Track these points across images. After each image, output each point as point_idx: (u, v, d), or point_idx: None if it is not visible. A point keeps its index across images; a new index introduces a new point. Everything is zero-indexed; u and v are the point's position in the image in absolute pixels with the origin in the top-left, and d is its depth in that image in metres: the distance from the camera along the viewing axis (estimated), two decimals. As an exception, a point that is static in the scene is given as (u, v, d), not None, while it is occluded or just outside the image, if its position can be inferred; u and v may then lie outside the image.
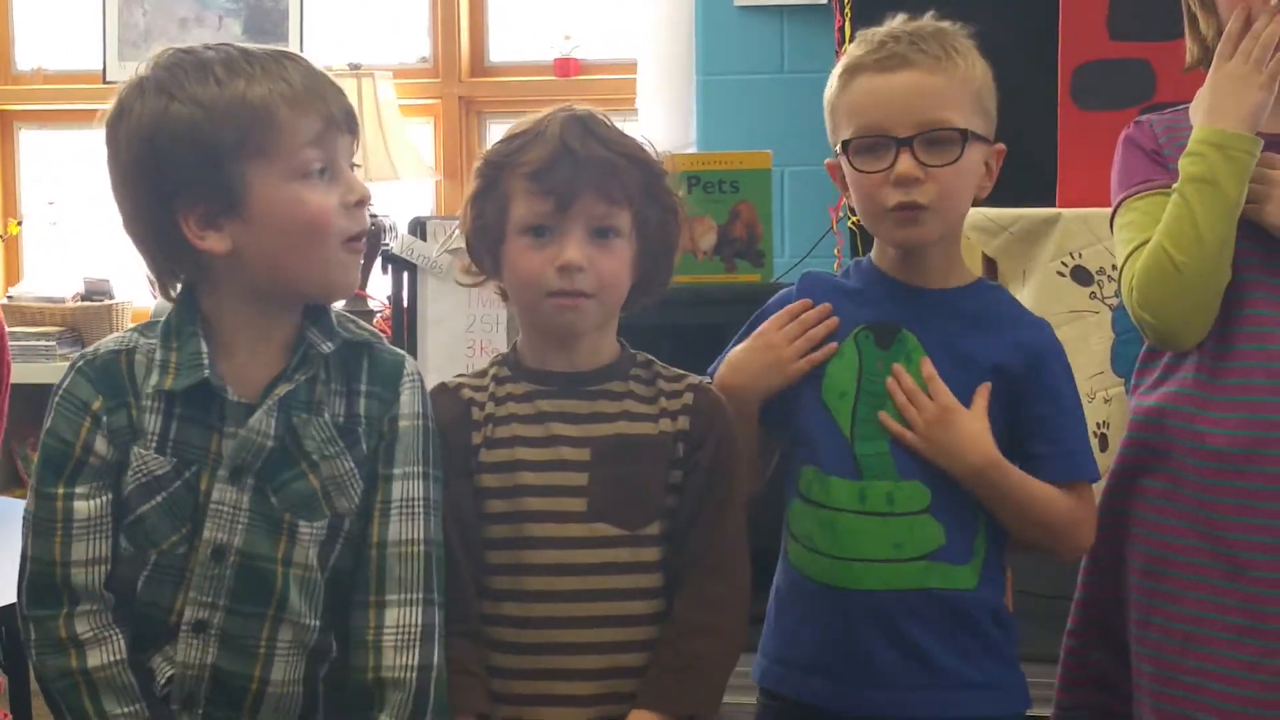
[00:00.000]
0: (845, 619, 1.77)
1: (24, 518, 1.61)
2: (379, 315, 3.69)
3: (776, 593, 1.86)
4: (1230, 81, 1.82)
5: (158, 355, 1.60)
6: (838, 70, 1.80)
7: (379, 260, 3.17)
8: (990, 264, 2.63)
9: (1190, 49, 1.96)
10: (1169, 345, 1.86)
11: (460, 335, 2.79)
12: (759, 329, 1.84)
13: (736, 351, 1.85)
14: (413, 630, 1.60)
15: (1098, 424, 2.49)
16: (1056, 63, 2.72)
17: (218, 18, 4.18)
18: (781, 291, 1.91)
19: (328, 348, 1.62)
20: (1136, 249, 1.85)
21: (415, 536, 1.62)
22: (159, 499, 1.58)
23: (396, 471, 1.62)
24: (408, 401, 1.64)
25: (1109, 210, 1.94)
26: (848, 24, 3.12)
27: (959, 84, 1.76)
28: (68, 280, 4.24)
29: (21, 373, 3.48)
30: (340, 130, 1.60)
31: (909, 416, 1.76)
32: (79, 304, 4.14)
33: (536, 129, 1.70)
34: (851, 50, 1.80)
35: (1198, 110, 1.84)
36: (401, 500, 1.62)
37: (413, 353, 2.87)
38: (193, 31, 4.14)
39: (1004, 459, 1.76)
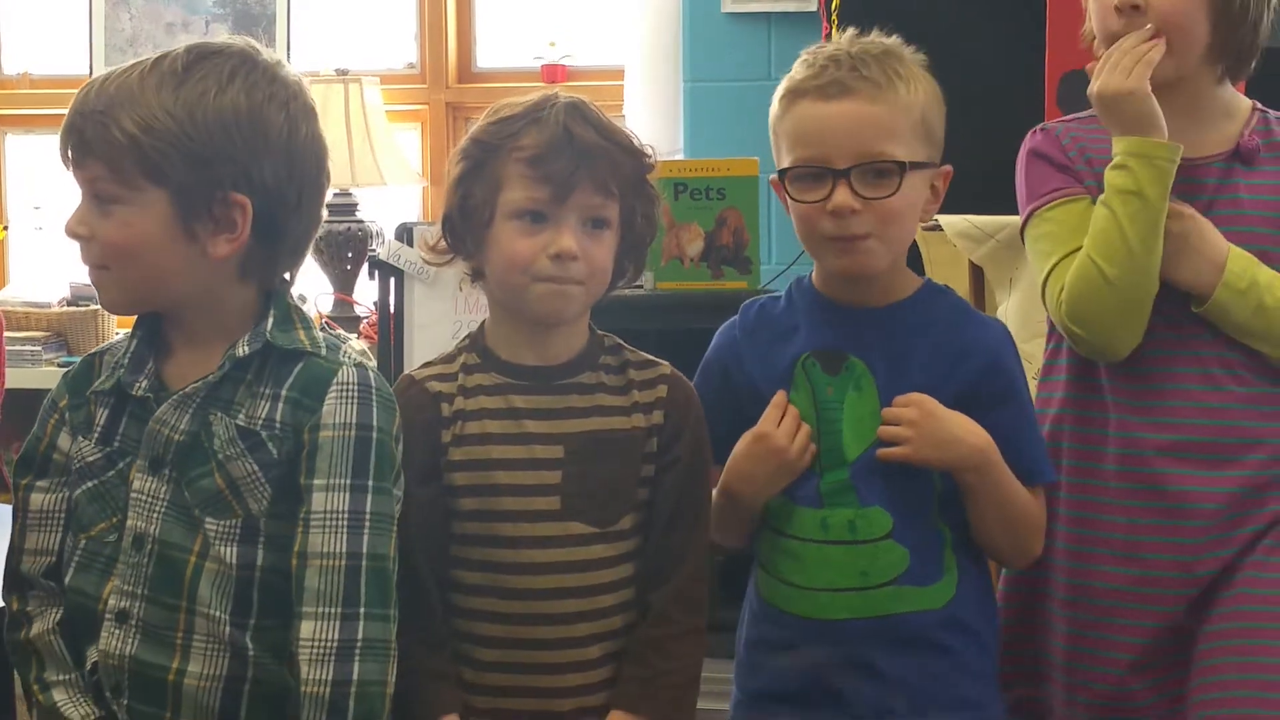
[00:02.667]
0: (815, 649, 1.76)
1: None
2: (365, 320, 3.69)
3: (746, 623, 1.85)
4: (1105, 101, 1.81)
5: (116, 356, 1.68)
6: (779, 93, 1.77)
7: (366, 266, 3.17)
8: (976, 271, 2.63)
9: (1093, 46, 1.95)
10: (1100, 357, 1.86)
11: (447, 340, 2.78)
12: (757, 433, 1.77)
13: (742, 462, 1.78)
14: (328, 645, 1.56)
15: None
16: (1043, 70, 2.73)
17: (204, 22, 4.17)
18: (725, 325, 1.88)
19: (244, 351, 1.62)
20: (1060, 261, 1.84)
21: (336, 550, 1.57)
22: (89, 485, 1.64)
23: (317, 483, 1.59)
24: (332, 411, 1.60)
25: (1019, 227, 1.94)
26: (835, 31, 3.13)
27: (900, 112, 1.73)
28: (54, 285, 4.22)
29: (7, 378, 3.47)
30: (69, 157, 1.61)
31: (896, 433, 1.74)
32: (65, 309, 4.12)
33: (533, 113, 1.69)
34: (794, 72, 1.77)
35: (1109, 127, 1.84)
36: (323, 512, 1.58)
37: (399, 358, 2.86)
38: (179, 37, 4.13)
39: (992, 441, 1.75)
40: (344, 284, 3.89)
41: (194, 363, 1.64)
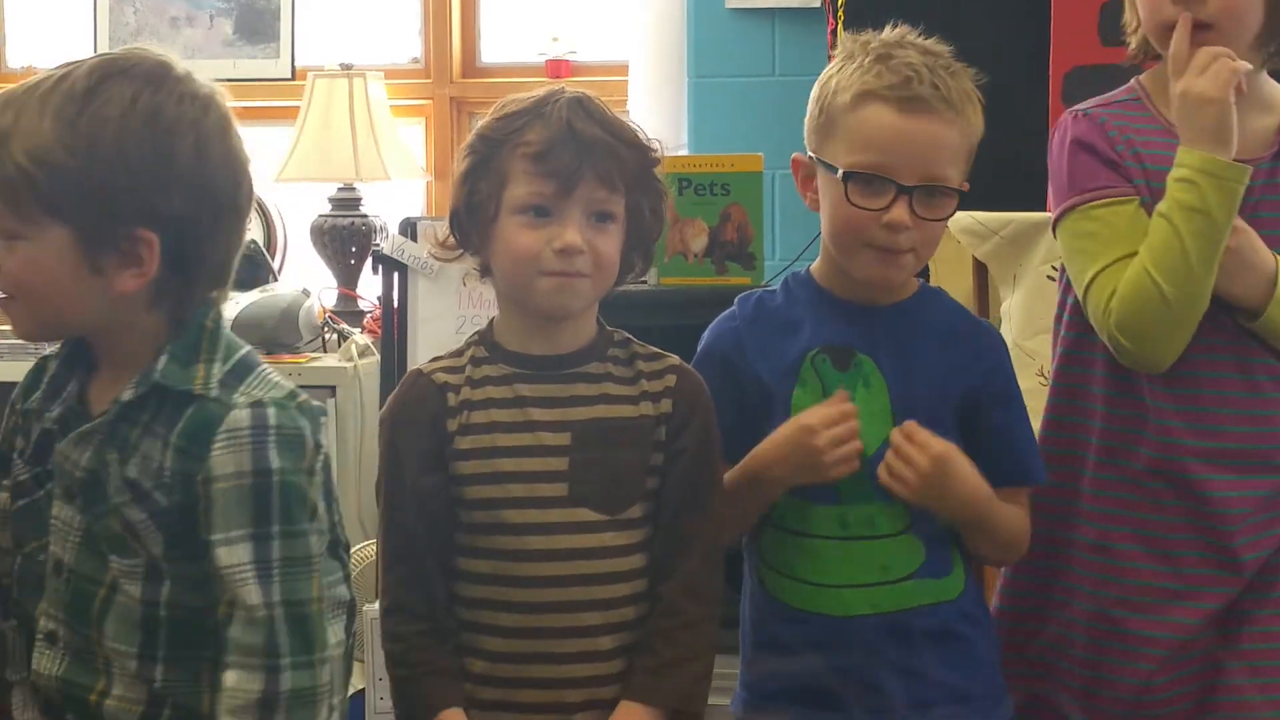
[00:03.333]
0: (836, 645, 1.76)
1: None
2: (369, 315, 3.69)
3: (752, 624, 1.84)
4: (1188, 102, 1.78)
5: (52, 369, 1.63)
6: (850, 86, 1.74)
7: (369, 261, 3.16)
8: (980, 268, 2.63)
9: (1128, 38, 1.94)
10: (1141, 368, 1.84)
11: (450, 335, 2.78)
12: (803, 421, 1.74)
13: (779, 443, 1.76)
14: (251, 696, 1.51)
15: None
16: (1048, 67, 2.73)
17: (209, 17, 4.16)
18: (720, 318, 1.87)
19: (127, 395, 1.54)
20: (1107, 268, 1.80)
21: (252, 601, 1.51)
22: (21, 504, 1.61)
23: (216, 538, 1.52)
24: (222, 462, 1.51)
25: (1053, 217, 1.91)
26: (840, 27, 3.12)
27: (964, 138, 1.75)
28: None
29: (4, 371, 3.47)
30: None
31: (903, 477, 1.73)
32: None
33: (538, 108, 1.69)
34: (866, 71, 1.74)
35: (1180, 130, 1.80)
36: (228, 566, 1.51)
37: (403, 353, 2.86)
38: (183, 31, 4.13)
39: (992, 492, 1.76)
40: (348, 279, 3.89)
41: (113, 385, 1.57)
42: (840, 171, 1.74)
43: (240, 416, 1.52)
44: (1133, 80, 1.94)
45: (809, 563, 1.77)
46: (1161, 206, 1.79)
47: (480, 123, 1.75)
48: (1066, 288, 1.92)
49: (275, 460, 1.52)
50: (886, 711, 1.76)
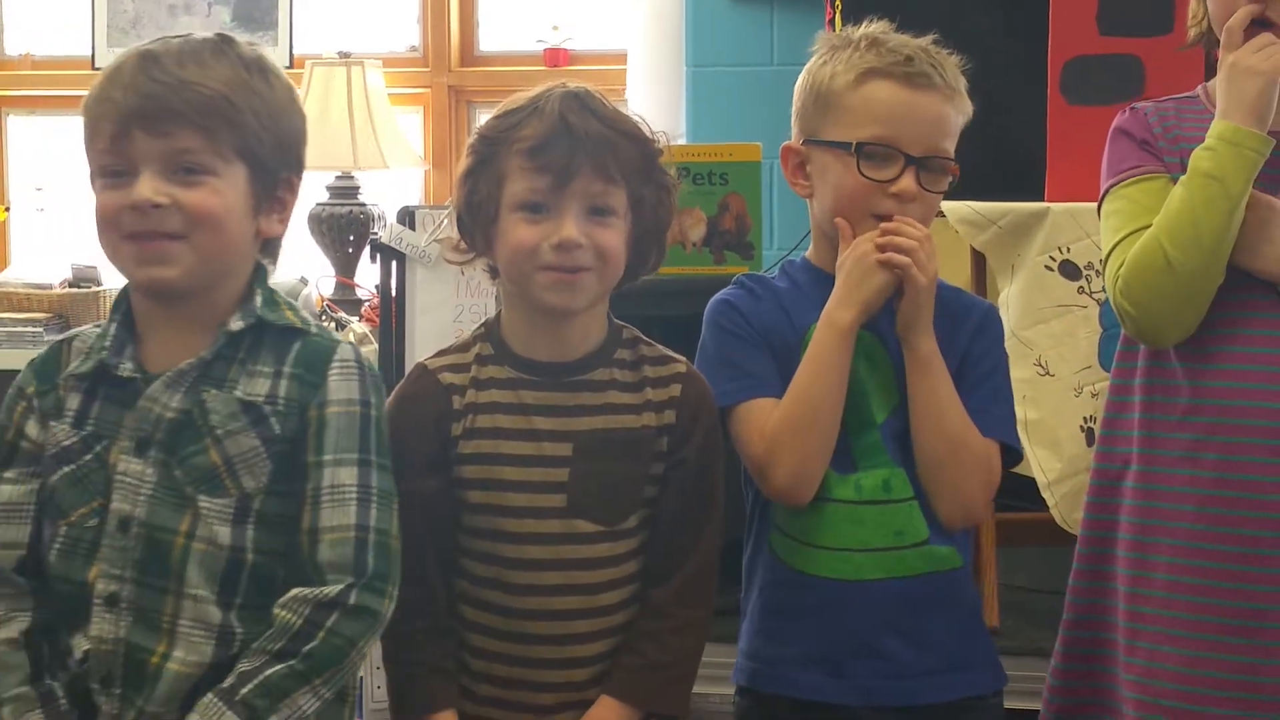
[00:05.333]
0: (850, 611, 1.78)
1: None
2: (367, 304, 3.69)
3: (760, 591, 1.85)
4: (1235, 72, 1.79)
5: (89, 343, 1.67)
6: (850, 69, 1.78)
7: (367, 249, 3.16)
8: (978, 258, 2.63)
9: (1189, 28, 1.94)
10: (1147, 340, 1.84)
11: (448, 324, 2.78)
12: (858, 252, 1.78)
13: (837, 283, 1.79)
14: (322, 594, 1.58)
15: (1085, 418, 2.49)
16: (1046, 57, 2.73)
17: (207, 4, 4.16)
18: (731, 284, 1.89)
19: (238, 325, 1.63)
20: (1126, 238, 1.82)
21: (345, 522, 1.59)
22: (66, 470, 1.62)
23: (326, 458, 1.61)
24: (337, 388, 1.62)
25: (1096, 205, 1.93)
26: (838, 17, 3.12)
27: (960, 116, 1.81)
28: (55, 267, 4.22)
29: (7, 359, 3.48)
30: (136, 129, 1.58)
31: (908, 246, 1.75)
32: (66, 290, 4.12)
33: (534, 105, 1.69)
34: (864, 53, 1.78)
35: (1219, 100, 1.81)
36: (331, 487, 1.60)
37: (400, 342, 2.86)
38: (181, 19, 4.13)
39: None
40: (345, 267, 3.89)
41: (175, 346, 1.63)
42: (854, 145, 1.77)
43: (348, 350, 1.65)
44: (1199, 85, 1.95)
45: (822, 527, 1.79)
46: (1182, 177, 1.80)
47: (483, 123, 1.76)
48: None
49: (373, 396, 1.64)
50: (895, 678, 1.78)
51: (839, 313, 1.77)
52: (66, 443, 1.63)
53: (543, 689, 1.71)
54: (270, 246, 1.72)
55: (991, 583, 2.47)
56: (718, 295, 1.88)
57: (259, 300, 1.65)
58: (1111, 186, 1.89)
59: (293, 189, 1.69)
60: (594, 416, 1.71)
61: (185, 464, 1.60)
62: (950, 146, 1.80)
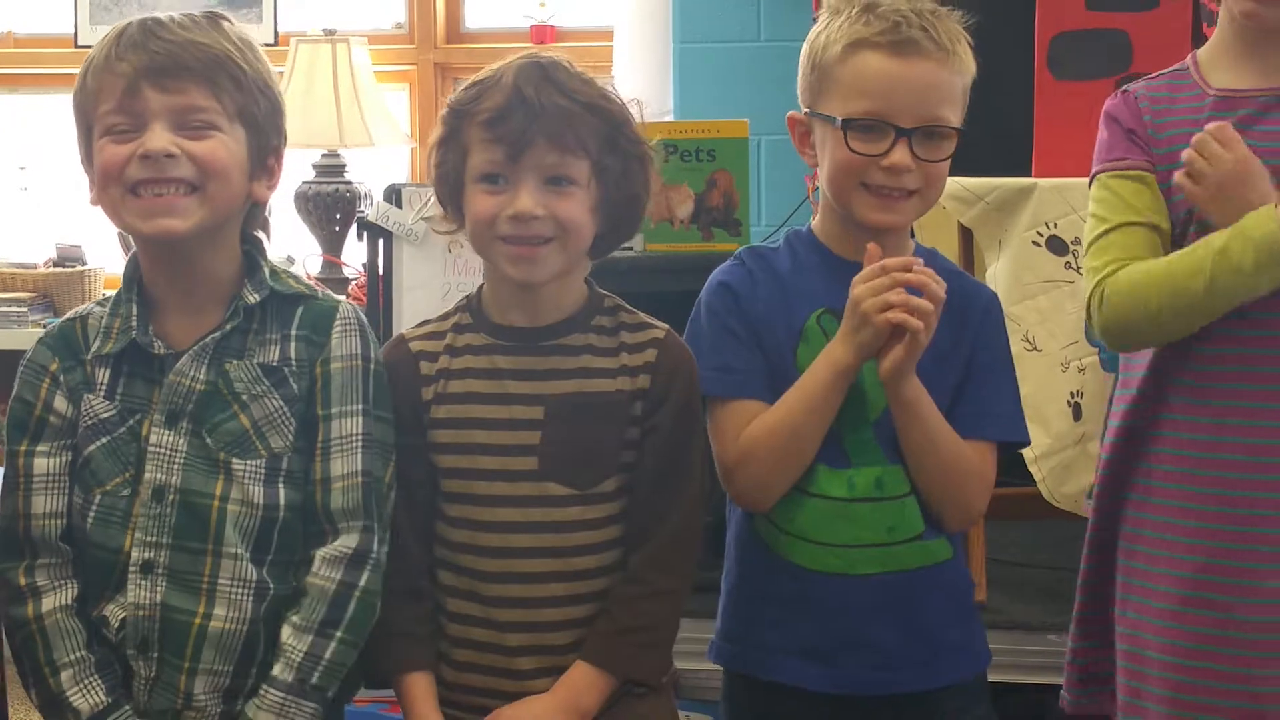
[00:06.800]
0: (842, 604, 1.77)
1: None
2: (354, 282, 3.68)
3: (741, 578, 1.85)
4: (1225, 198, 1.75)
5: (104, 322, 1.73)
6: (840, 38, 1.76)
7: (354, 227, 3.15)
8: (966, 233, 2.63)
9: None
10: (1119, 351, 1.87)
11: (436, 302, 2.77)
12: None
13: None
14: (344, 550, 1.68)
15: (1072, 393, 2.50)
16: (1033, 32, 2.72)
17: (191, -18, 4.13)
18: (729, 261, 1.87)
19: (255, 298, 1.72)
20: (1105, 235, 1.82)
21: (353, 469, 1.69)
22: (103, 441, 1.69)
23: (333, 410, 1.70)
24: (338, 344, 1.72)
25: (1085, 180, 1.93)
26: (825, -8, 3.11)
27: (958, 79, 1.77)
28: (39, 246, 4.21)
29: (-7, 340, 3.46)
30: (146, 86, 1.64)
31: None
32: (51, 270, 4.11)
33: (496, 76, 1.70)
34: (854, 21, 1.76)
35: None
36: (339, 438, 1.70)
37: (388, 320, 2.86)
38: (165, -4, 4.11)
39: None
40: (332, 245, 3.88)
41: (186, 321, 1.72)
42: (839, 121, 1.75)
43: (348, 309, 1.76)
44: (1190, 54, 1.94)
45: (816, 522, 1.78)
46: (1197, 251, 1.75)
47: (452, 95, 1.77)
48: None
49: (372, 351, 1.74)
50: (887, 669, 1.78)
51: (842, 354, 1.73)
52: (105, 415, 1.69)
53: (517, 653, 1.71)
54: (260, 219, 1.79)
55: (980, 559, 2.48)
56: (717, 274, 1.86)
57: (267, 272, 1.74)
58: (1098, 173, 1.89)
59: (279, 159, 1.76)
60: (567, 380, 1.72)
61: (216, 431, 1.68)
62: (949, 113, 1.76)
